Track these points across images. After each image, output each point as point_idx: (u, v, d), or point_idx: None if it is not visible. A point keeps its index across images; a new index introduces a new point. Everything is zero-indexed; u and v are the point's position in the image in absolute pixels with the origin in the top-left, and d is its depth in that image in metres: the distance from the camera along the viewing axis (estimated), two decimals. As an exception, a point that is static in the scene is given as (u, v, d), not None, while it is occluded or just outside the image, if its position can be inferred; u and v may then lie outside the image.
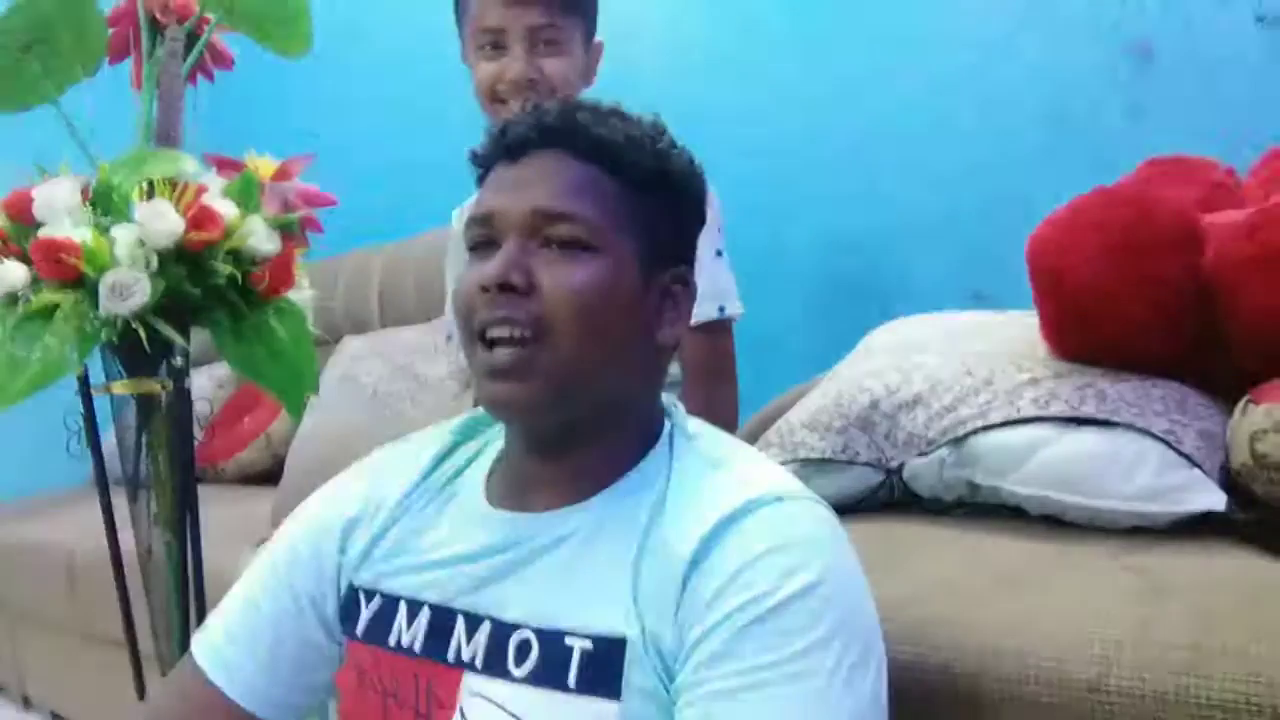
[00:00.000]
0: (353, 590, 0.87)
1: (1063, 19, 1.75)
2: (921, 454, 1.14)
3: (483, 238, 0.80)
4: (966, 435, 1.09)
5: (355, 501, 0.90)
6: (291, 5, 1.43)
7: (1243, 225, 1.00)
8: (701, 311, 1.18)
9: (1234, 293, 1.00)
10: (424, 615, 0.82)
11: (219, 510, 1.57)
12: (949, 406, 1.13)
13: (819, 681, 0.70)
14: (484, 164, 0.84)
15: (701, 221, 0.90)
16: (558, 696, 0.74)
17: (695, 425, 0.87)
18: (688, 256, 0.88)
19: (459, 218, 1.45)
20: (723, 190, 1.15)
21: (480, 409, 0.96)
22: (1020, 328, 1.26)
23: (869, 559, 0.77)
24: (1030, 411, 1.05)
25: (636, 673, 0.73)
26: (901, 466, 1.17)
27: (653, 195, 0.82)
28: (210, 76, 1.44)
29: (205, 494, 1.31)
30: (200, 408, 2.40)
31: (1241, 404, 0.98)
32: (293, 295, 1.29)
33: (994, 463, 1.07)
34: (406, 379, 2.10)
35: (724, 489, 0.78)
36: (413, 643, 0.82)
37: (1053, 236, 1.07)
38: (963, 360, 1.19)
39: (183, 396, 1.27)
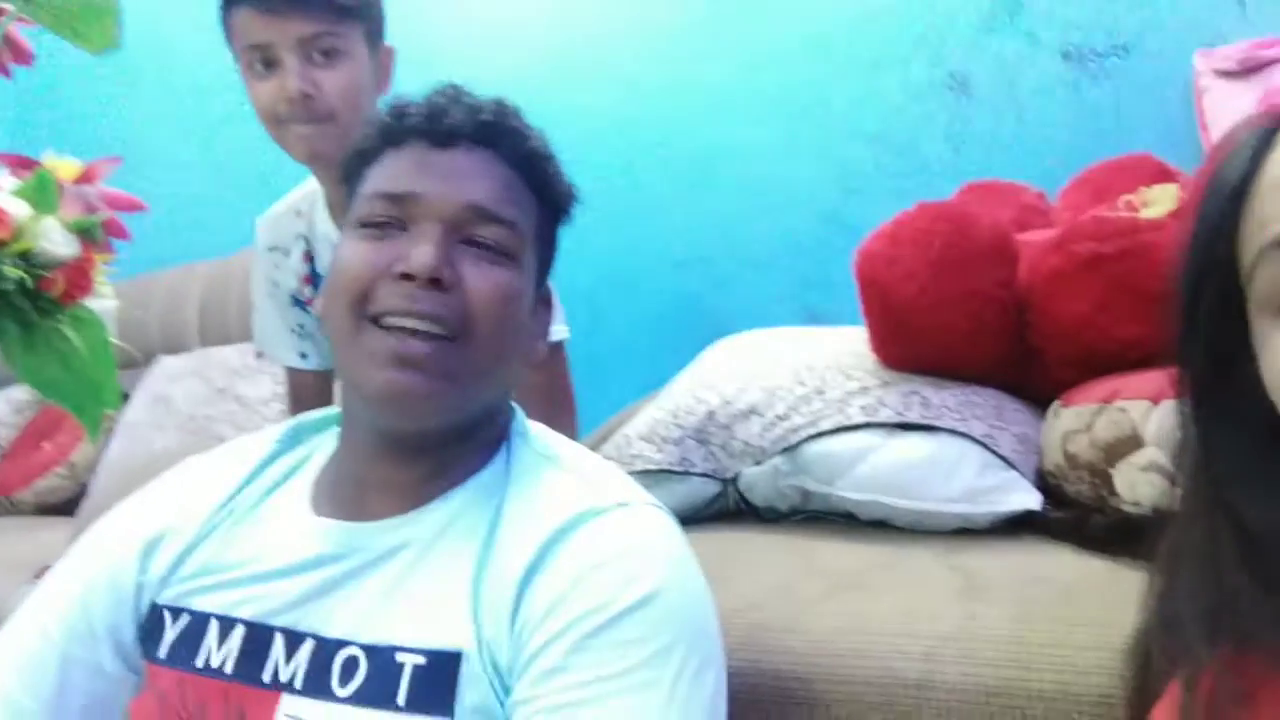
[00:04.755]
0: (156, 609, 0.79)
1: (890, 49, 1.82)
2: (756, 463, 1.15)
3: (390, 218, 0.75)
4: (798, 444, 1.10)
5: (159, 516, 0.82)
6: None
7: (1051, 240, 1.05)
8: None
9: (1044, 303, 1.05)
10: (237, 634, 0.75)
11: (7, 540, 1.42)
12: (782, 415, 1.14)
13: (660, 693, 0.68)
14: (394, 140, 0.79)
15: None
16: (386, 716, 0.69)
17: (536, 429, 0.84)
18: (548, 276, 0.87)
19: (263, 228, 1.38)
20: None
21: (307, 417, 0.91)
22: (850, 340, 1.29)
23: (705, 569, 0.76)
24: (859, 418, 1.07)
25: (471, 689, 0.69)
26: (737, 476, 1.17)
27: (551, 213, 0.82)
28: (7, 73, 1.33)
29: (-4, 523, 1.19)
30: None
31: (1053, 408, 1.03)
32: (92, 304, 1.20)
33: (825, 469, 1.08)
34: (226, 401, 1.99)
35: (564, 494, 0.76)
36: (223, 664, 0.75)
37: (879, 251, 1.10)
38: (795, 372, 1.21)
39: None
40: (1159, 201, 1.13)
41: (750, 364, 1.30)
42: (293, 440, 0.88)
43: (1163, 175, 1.26)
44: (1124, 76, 1.64)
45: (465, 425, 0.78)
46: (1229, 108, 1.45)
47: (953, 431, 1.02)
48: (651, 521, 0.77)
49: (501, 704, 0.70)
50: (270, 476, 0.85)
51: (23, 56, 1.35)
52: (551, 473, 0.79)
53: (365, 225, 0.77)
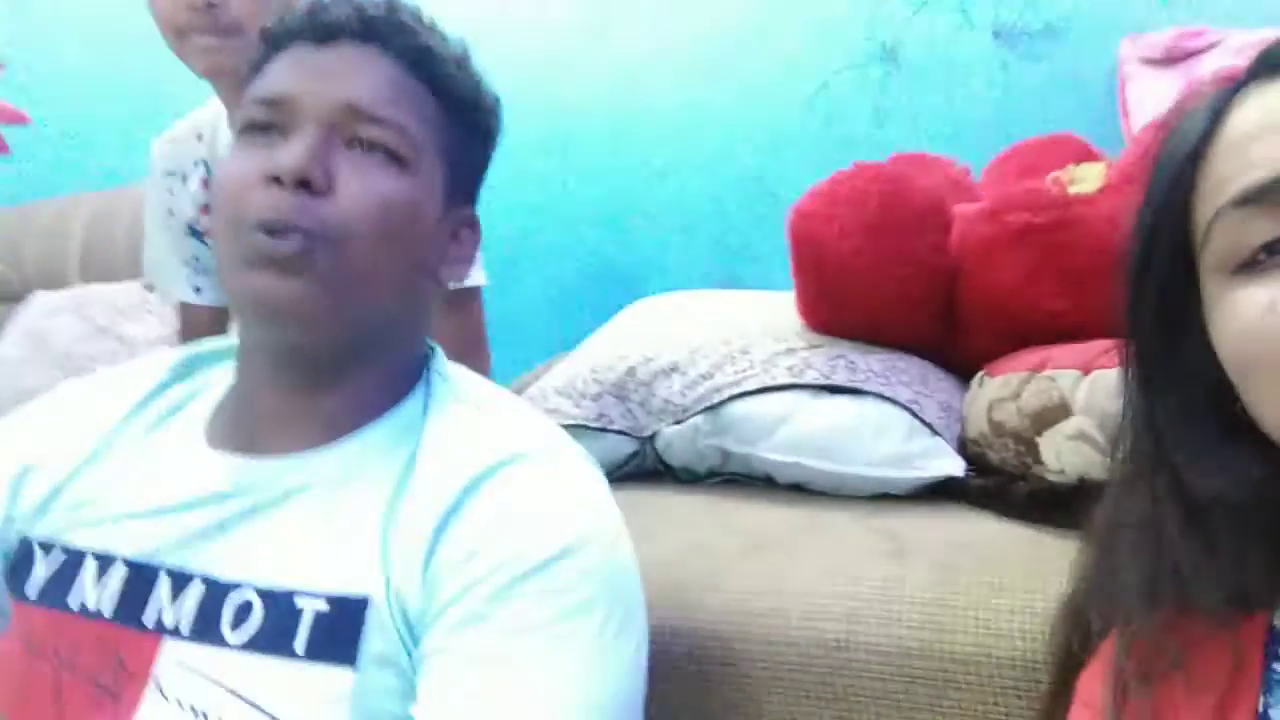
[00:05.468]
0: (26, 544, 0.72)
1: (822, 17, 1.81)
2: (676, 422, 1.11)
3: (268, 122, 0.69)
4: (721, 403, 1.07)
5: (33, 444, 0.75)
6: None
7: (983, 210, 1.04)
8: None
9: (976, 271, 1.05)
10: (117, 572, 0.69)
11: None
12: (705, 374, 1.11)
13: (581, 646, 0.65)
14: (278, 43, 0.73)
15: (487, 165, 0.83)
16: (281, 664, 0.64)
17: (456, 370, 0.79)
18: (475, 199, 0.81)
19: (160, 150, 1.29)
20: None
21: (202, 345, 0.84)
22: (774, 304, 1.27)
23: (622, 525, 0.72)
24: (785, 379, 1.05)
25: (377, 637, 0.65)
26: (655, 435, 1.14)
27: (460, 123, 0.76)
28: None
29: None
30: None
31: (978, 378, 1.02)
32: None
33: (747, 430, 1.05)
34: (108, 339, 1.87)
35: (483, 437, 0.72)
36: (100, 604, 0.68)
37: (814, 208, 1.08)
38: (720, 331, 1.18)
39: None
40: (1087, 179, 1.13)
41: (673, 324, 1.27)
42: (185, 370, 0.81)
43: (1088, 155, 1.27)
44: (1052, 59, 1.65)
45: (362, 346, 0.72)
46: (1152, 95, 1.47)
47: (879, 396, 1.01)
48: (577, 470, 0.73)
49: (409, 654, 0.65)
50: (159, 407, 0.78)
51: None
52: (472, 415, 0.74)
53: (245, 132, 0.71)
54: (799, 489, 1.06)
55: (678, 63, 1.92)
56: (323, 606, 0.66)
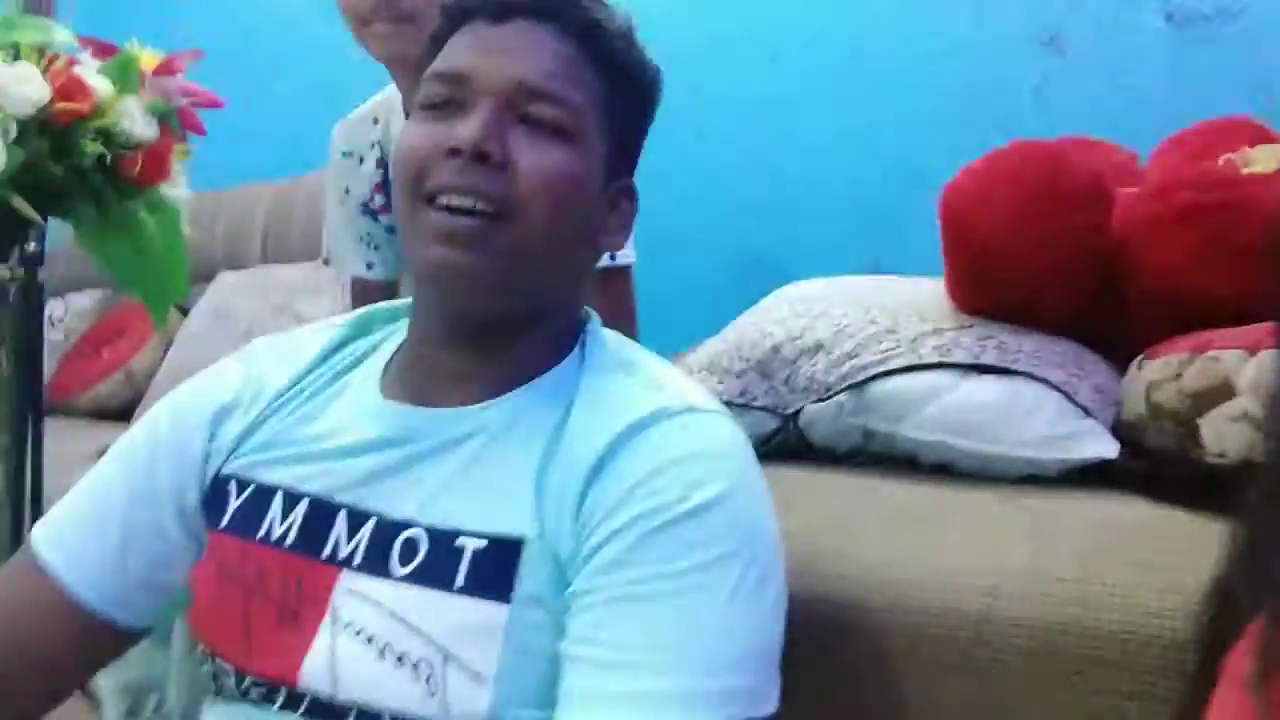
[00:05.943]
0: (221, 479, 0.79)
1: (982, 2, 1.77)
2: (820, 400, 1.12)
3: (447, 98, 0.74)
4: (866, 381, 1.08)
5: (230, 387, 0.82)
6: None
7: (1153, 186, 1.01)
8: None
9: (1139, 252, 1.02)
10: (302, 508, 0.75)
11: (65, 443, 1.43)
12: (851, 353, 1.12)
13: (718, 597, 0.67)
14: (456, 21, 0.78)
15: (645, 135, 0.86)
16: (442, 596, 0.69)
17: (610, 335, 0.83)
18: (634, 169, 0.84)
19: (340, 132, 1.38)
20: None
21: (378, 305, 0.90)
22: (922, 287, 1.26)
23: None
24: (932, 358, 1.04)
25: (530, 576, 0.69)
26: (798, 413, 1.15)
27: (624, 95, 0.79)
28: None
29: (53, 426, 1.20)
30: (54, 336, 2.24)
31: (1137, 360, 0.99)
32: (167, 191, 1.20)
33: (892, 408, 1.06)
34: (286, 317, 2.00)
35: (635, 394, 0.75)
36: (285, 536, 0.75)
37: (968, 186, 1.07)
38: (866, 310, 1.18)
39: (35, 289, 1.16)
40: (1262, 161, 1.08)
41: (818, 305, 1.28)
42: (363, 327, 0.87)
43: (1263, 137, 1.21)
44: (1228, 42, 1.58)
45: (529, 313, 0.77)
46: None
47: (1029, 375, 0.99)
48: (722, 428, 0.76)
49: (559, 594, 0.69)
50: (341, 359, 0.85)
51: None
52: (624, 376, 0.78)
53: (424, 108, 0.76)
54: (943, 469, 1.05)
55: (831, 47, 1.92)
56: (481, 545, 0.70)
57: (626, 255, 1.24)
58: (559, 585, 0.69)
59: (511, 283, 0.73)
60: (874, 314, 1.17)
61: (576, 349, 0.80)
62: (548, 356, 0.78)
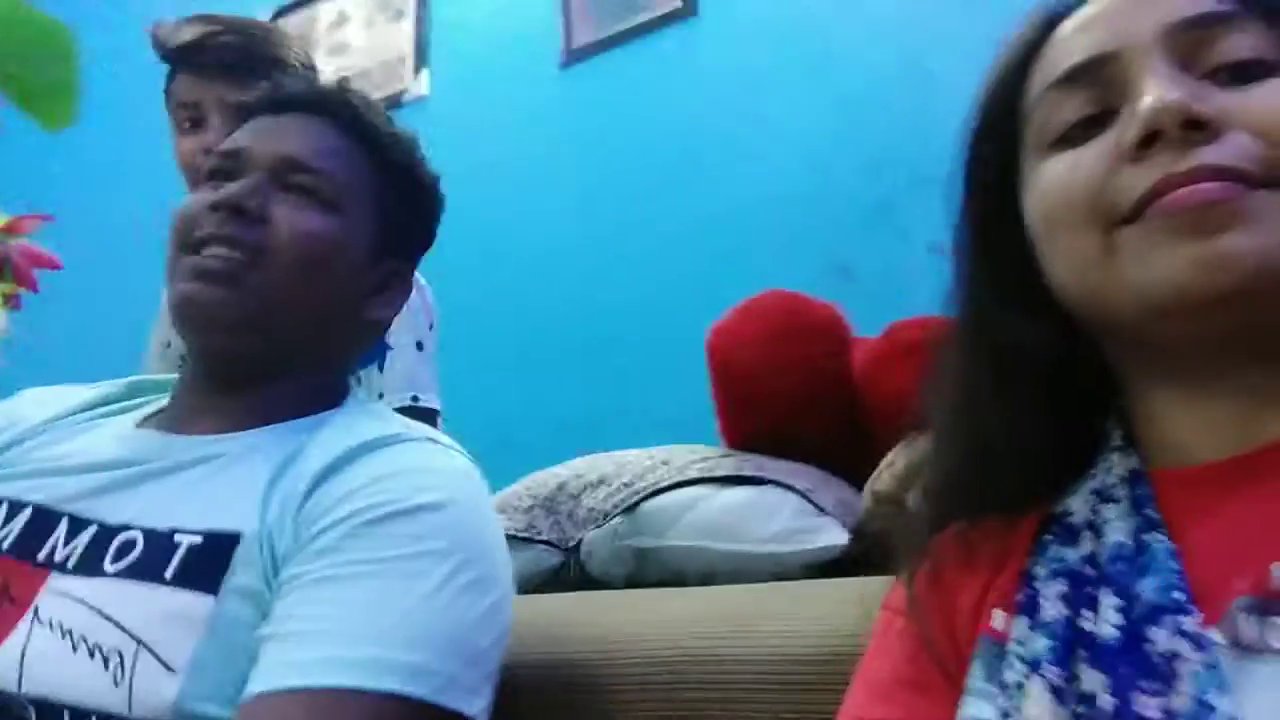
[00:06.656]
0: None
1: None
2: (598, 526, 1.17)
3: (224, 171, 0.84)
4: (637, 502, 1.14)
5: None
6: (58, 76, 1.47)
7: (884, 328, 1.15)
8: (395, 399, 1.24)
9: (874, 385, 1.14)
10: (24, 515, 0.77)
11: None
12: (627, 482, 1.18)
13: (424, 586, 0.69)
14: (244, 118, 0.89)
15: (431, 239, 0.95)
16: (150, 589, 0.70)
17: (376, 404, 0.89)
18: (414, 258, 0.93)
19: (155, 331, 1.46)
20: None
21: (145, 377, 0.95)
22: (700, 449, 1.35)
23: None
24: (694, 474, 1.12)
25: (244, 571, 0.71)
26: (579, 544, 1.19)
27: (396, 186, 0.88)
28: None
29: None
30: None
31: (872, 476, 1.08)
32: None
33: (659, 521, 1.11)
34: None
35: (375, 425, 0.81)
36: (3, 541, 0.76)
37: (726, 327, 1.19)
38: (650, 455, 1.26)
39: None
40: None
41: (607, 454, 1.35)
42: (131, 392, 0.92)
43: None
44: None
45: (276, 357, 0.82)
46: None
47: (777, 483, 1.07)
48: (457, 460, 0.81)
49: (270, 589, 0.70)
50: (105, 410, 0.88)
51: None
52: (372, 419, 0.83)
53: (204, 180, 0.85)
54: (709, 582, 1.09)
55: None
56: (197, 540, 0.72)
57: (431, 400, 1.30)
58: (272, 580, 0.71)
59: (254, 321, 0.79)
60: (654, 453, 1.24)
61: (336, 410, 0.85)
62: (299, 406, 0.83)
